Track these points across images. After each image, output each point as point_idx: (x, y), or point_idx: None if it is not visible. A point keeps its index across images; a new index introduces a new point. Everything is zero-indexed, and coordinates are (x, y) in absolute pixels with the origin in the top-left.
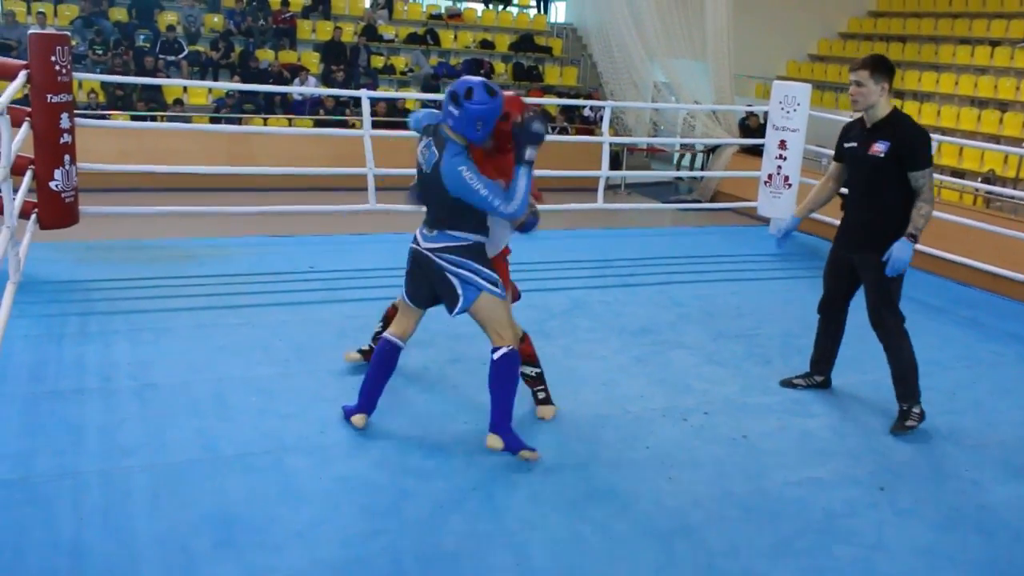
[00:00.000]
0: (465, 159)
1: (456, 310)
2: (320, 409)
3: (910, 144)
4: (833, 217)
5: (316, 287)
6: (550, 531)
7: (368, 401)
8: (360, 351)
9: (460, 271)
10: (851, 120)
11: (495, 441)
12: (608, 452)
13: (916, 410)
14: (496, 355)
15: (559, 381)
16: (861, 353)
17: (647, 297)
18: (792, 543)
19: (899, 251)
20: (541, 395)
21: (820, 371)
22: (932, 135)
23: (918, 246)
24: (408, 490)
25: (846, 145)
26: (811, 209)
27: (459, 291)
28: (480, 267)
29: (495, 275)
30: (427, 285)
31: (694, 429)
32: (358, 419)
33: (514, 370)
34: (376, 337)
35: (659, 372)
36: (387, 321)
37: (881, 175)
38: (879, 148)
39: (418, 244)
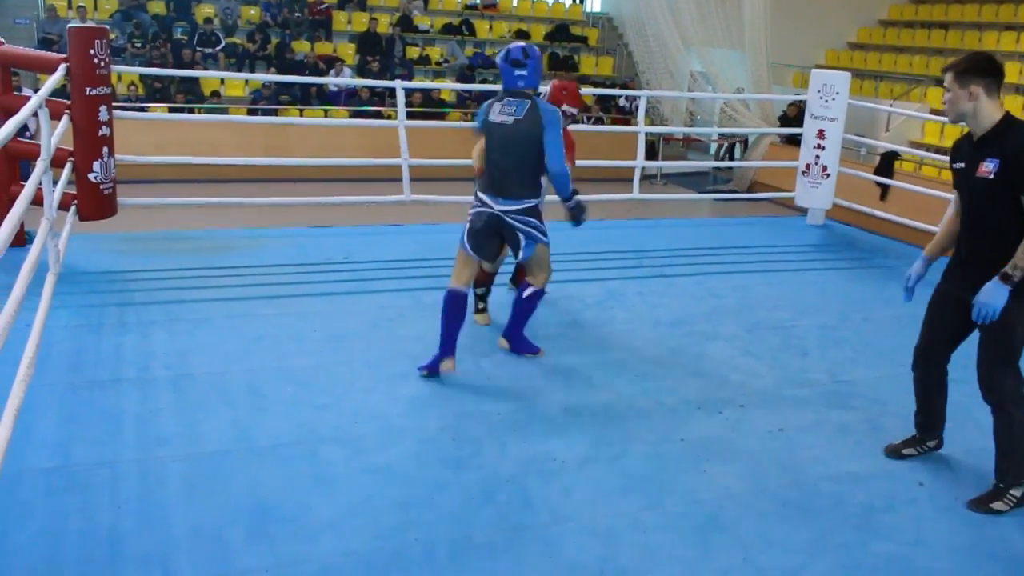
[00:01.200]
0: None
1: (521, 256)
2: (354, 399)
3: (1017, 160)
4: (872, 207)
5: (350, 277)
6: (583, 524)
7: (450, 347)
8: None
9: (526, 228)
10: (960, 136)
11: (504, 342)
12: (642, 445)
13: (1016, 492)
14: (527, 292)
15: (593, 372)
16: (899, 344)
17: (683, 288)
18: (829, 538)
19: (986, 295)
20: (480, 306)
21: (930, 434)
22: None
23: None
24: (441, 481)
25: (955, 166)
26: (943, 248)
27: (523, 242)
28: (539, 223)
29: (545, 228)
30: (495, 240)
31: (729, 422)
32: (448, 364)
33: (536, 302)
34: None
35: (694, 364)
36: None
37: (993, 200)
38: (987, 168)
39: (490, 207)
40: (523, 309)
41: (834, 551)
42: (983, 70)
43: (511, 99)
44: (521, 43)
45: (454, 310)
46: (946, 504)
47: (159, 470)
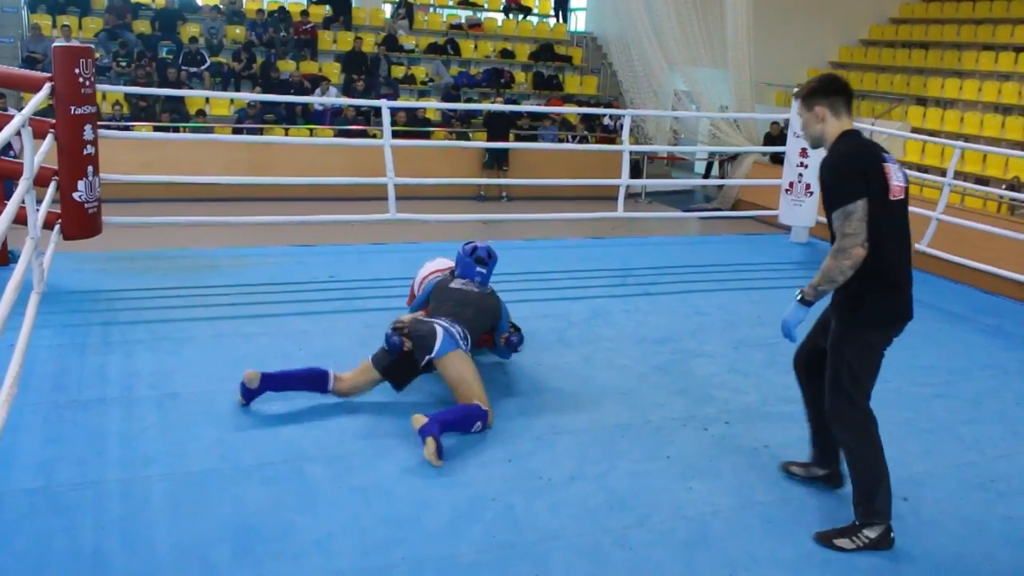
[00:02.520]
0: None
1: (437, 350)
2: (339, 418)
3: (822, 177)
4: None
5: (336, 296)
6: (570, 541)
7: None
8: None
9: (453, 332)
10: None
11: (419, 419)
12: (628, 462)
13: (869, 533)
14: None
15: (579, 390)
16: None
17: (668, 306)
18: (815, 554)
19: (785, 313)
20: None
21: (820, 463)
22: (955, 142)
23: (938, 252)
24: (427, 499)
25: None
26: None
27: (441, 337)
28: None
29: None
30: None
31: (715, 439)
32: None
33: (479, 419)
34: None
35: (680, 381)
36: None
37: (830, 220)
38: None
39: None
40: (462, 415)
41: (820, 567)
42: (826, 90)
43: (464, 281)
44: (487, 244)
45: (314, 380)
46: (931, 519)
47: (143, 490)
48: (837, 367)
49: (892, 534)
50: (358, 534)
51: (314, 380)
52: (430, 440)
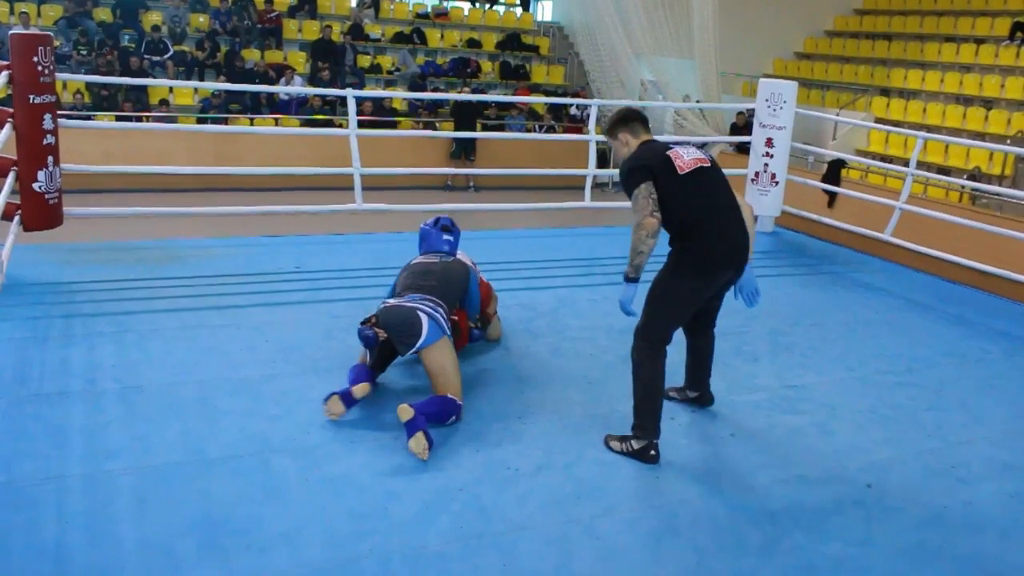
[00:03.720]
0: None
1: (422, 341)
2: (306, 410)
3: (620, 177)
4: (819, 214)
5: (302, 287)
6: (538, 531)
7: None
8: None
9: (434, 313)
10: None
11: (406, 411)
12: (596, 451)
13: (635, 444)
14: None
15: (546, 380)
16: (848, 349)
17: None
18: (780, 541)
19: (620, 294)
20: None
21: (691, 385)
22: (917, 132)
23: (901, 242)
24: (394, 491)
25: None
26: None
27: (426, 325)
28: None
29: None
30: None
31: (681, 427)
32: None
33: (448, 415)
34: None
35: None
36: None
37: None
38: None
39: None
40: (439, 408)
41: (786, 554)
42: (622, 120)
43: (434, 256)
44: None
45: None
46: (894, 505)
47: (107, 484)
48: (647, 303)
49: (654, 452)
50: (325, 526)
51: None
52: (420, 435)
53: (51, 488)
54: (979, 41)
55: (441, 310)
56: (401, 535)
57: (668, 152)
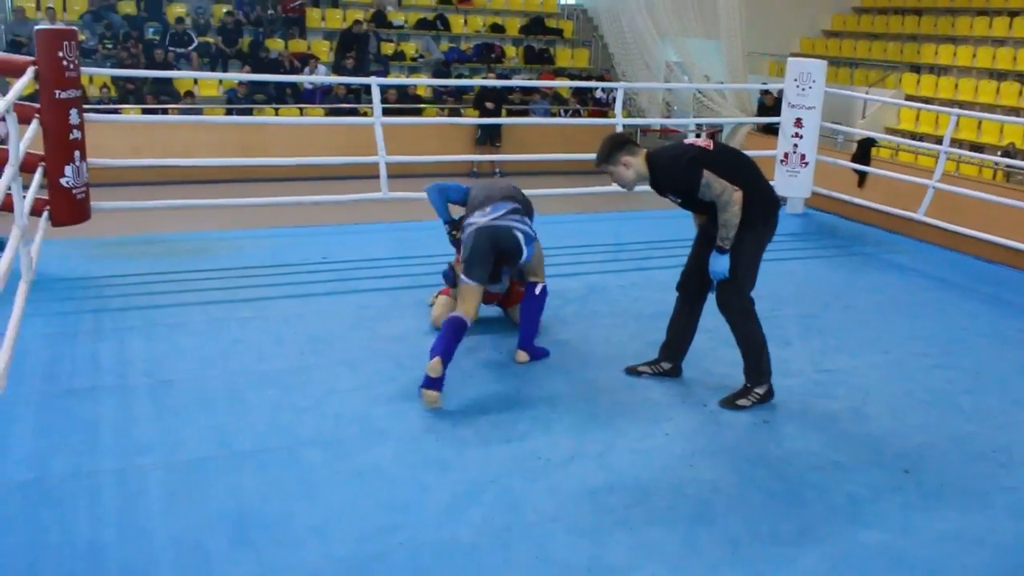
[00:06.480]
0: None
1: (524, 257)
2: (335, 402)
3: (672, 186)
4: (850, 194)
5: (329, 278)
6: (570, 522)
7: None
8: None
9: (522, 226)
10: None
11: (523, 356)
12: (627, 440)
13: (758, 391)
14: (538, 288)
15: (577, 368)
16: (881, 332)
17: (663, 280)
18: (816, 529)
19: (716, 264)
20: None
21: (667, 357)
22: (950, 109)
23: (935, 221)
24: (425, 483)
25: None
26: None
27: (523, 241)
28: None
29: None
30: (491, 260)
31: (713, 414)
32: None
33: (545, 299)
34: None
35: None
36: None
37: (693, 205)
38: (676, 201)
39: (479, 223)
40: (538, 307)
41: (822, 541)
42: (616, 146)
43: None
44: None
45: (455, 333)
46: (932, 491)
47: (139, 479)
48: (733, 266)
49: (772, 391)
50: (356, 519)
51: (459, 331)
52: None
53: (83, 484)
54: (1013, 14)
55: (527, 219)
56: (432, 528)
57: (685, 142)
